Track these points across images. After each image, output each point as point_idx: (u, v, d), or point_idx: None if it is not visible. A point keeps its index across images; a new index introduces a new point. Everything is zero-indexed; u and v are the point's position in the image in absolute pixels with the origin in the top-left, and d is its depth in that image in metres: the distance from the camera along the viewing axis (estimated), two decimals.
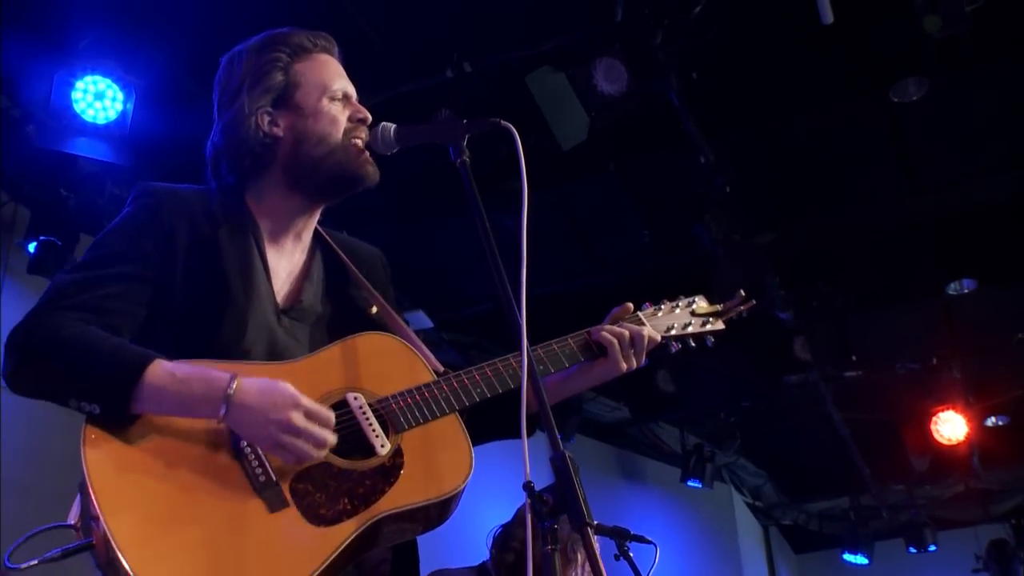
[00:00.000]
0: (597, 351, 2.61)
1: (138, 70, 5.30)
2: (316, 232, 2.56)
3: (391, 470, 2.18)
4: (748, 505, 12.22)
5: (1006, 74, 6.11)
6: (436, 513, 2.22)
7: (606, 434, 10.42)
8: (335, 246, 2.58)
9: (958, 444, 9.69)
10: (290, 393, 2.08)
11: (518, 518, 4.12)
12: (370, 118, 2.48)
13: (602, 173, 6.75)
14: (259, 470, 2.08)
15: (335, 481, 2.11)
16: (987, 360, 9.13)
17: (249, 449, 2.10)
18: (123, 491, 2.00)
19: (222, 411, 2.06)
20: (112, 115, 5.27)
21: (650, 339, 2.65)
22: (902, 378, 9.10)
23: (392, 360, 2.40)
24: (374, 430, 2.22)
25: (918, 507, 11.79)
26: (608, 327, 2.64)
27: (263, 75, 2.42)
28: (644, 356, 2.65)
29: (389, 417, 2.26)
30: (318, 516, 2.06)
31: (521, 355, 1.96)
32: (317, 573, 1.99)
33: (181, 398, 2.07)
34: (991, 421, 10.21)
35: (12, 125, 5.42)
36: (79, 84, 5.22)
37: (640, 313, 2.74)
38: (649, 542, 3.84)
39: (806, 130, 6.59)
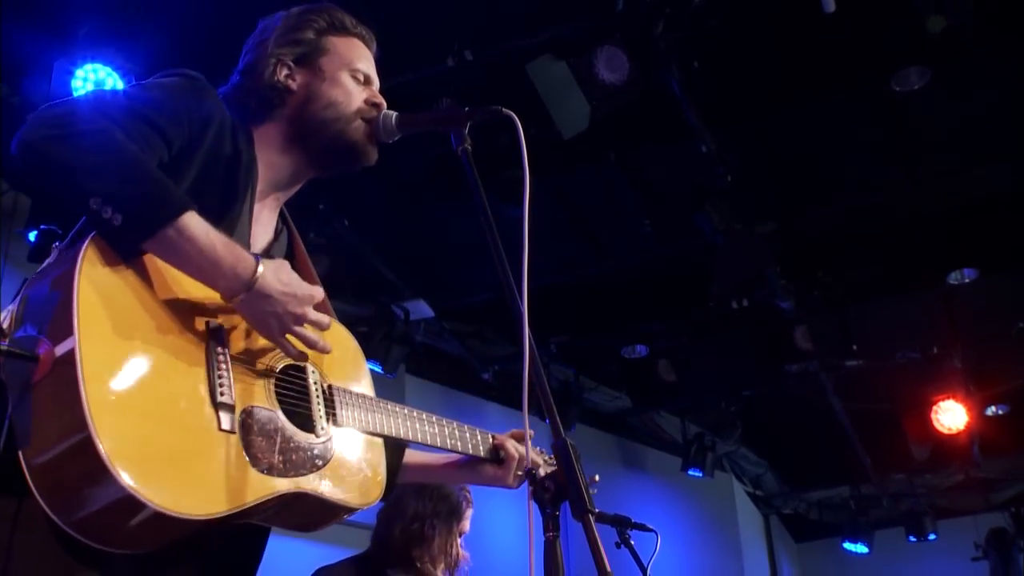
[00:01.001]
0: (493, 457, 2.76)
1: (138, 59, 5.29)
2: (282, 212, 2.53)
3: (322, 455, 2.18)
4: (749, 494, 12.25)
5: (1008, 64, 6.10)
6: (329, 516, 2.22)
7: (607, 423, 10.44)
8: (294, 230, 2.57)
9: (958, 433, 9.70)
10: (307, 286, 2.11)
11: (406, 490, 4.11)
12: (384, 107, 2.47)
13: (603, 162, 6.74)
14: (224, 386, 2.01)
15: (276, 436, 2.08)
16: (987, 349, 9.13)
17: (224, 364, 2.04)
18: (106, 327, 1.85)
19: (241, 291, 2.00)
20: None
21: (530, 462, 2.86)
22: (903, 367, 9.11)
23: (348, 357, 2.43)
24: (319, 409, 2.24)
25: (918, 496, 11.82)
26: (514, 443, 2.79)
27: (295, 30, 2.44)
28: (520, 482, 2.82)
29: (334, 406, 2.28)
30: (254, 458, 2.01)
31: (522, 344, 1.96)
32: (239, 511, 1.94)
33: (205, 257, 1.96)
34: (991, 410, 10.23)
35: (12, 113, 5.41)
36: (79, 72, 5.21)
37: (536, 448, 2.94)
38: (650, 530, 3.86)
39: (807, 119, 6.57)
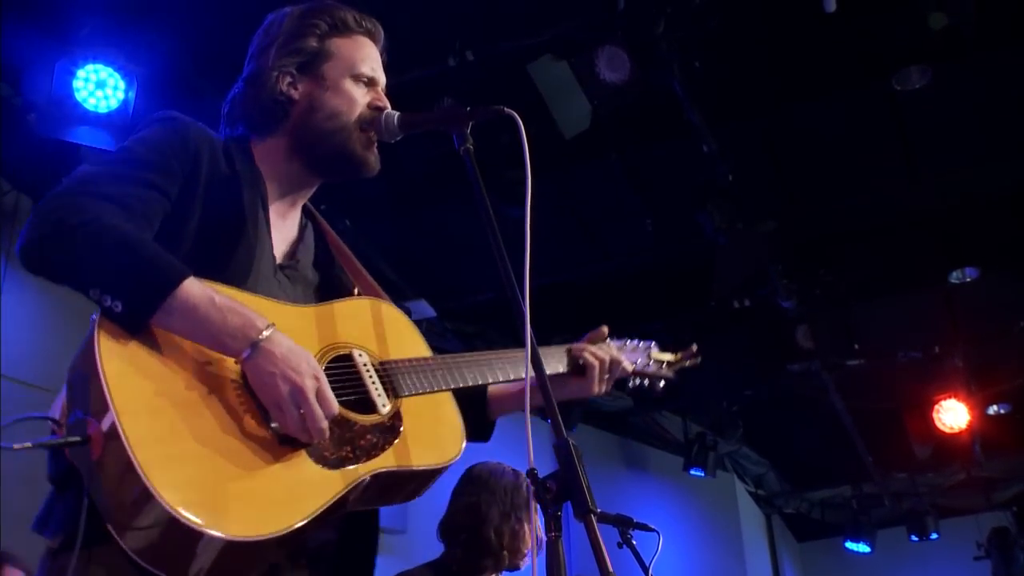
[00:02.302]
0: (574, 369, 2.72)
1: (140, 59, 5.30)
2: (307, 208, 2.55)
3: (390, 430, 2.19)
4: (751, 494, 12.25)
5: (1009, 63, 6.10)
6: (421, 482, 2.24)
7: (609, 423, 10.44)
8: (323, 222, 2.58)
9: (960, 432, 9.71)
10: (315, 364, 2.06)
11: (456, 507, 4.11)
12: (388, 108, 2.47)
13: (605, 162, 6.74)
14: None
15: (339, 428, 2.10)
16: (989, 348, 9.13)
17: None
18: (136, 390, 1.91)
19: (246, 353, 1.99)
20: (114, 104, 5.27)
21: (623, 369, 2.81)
22: (904, 366, 9.11)
23: (396, 329, 2.42)
24: (376, 388, 2.23)
25: (920, 495, 11.82)
26: (591, 348, 2.75)
27: (297, 37, 2.43)
28: (611, 384, 2.79)
29: (391, 380, 2.28)
30: (322, 458, 2.04)
31: (525, 343, 1.96)
32: (318, 512, 1.97)
33: (211, 324, 1.99)
34: (993, 409, 10.23)
35: (14, 114, 5.42)
36: (81, 73, 5.22)
37: (611, 343, 2.88)
38: (652, 530, 3.85)
39: (809, 118, 6.58)
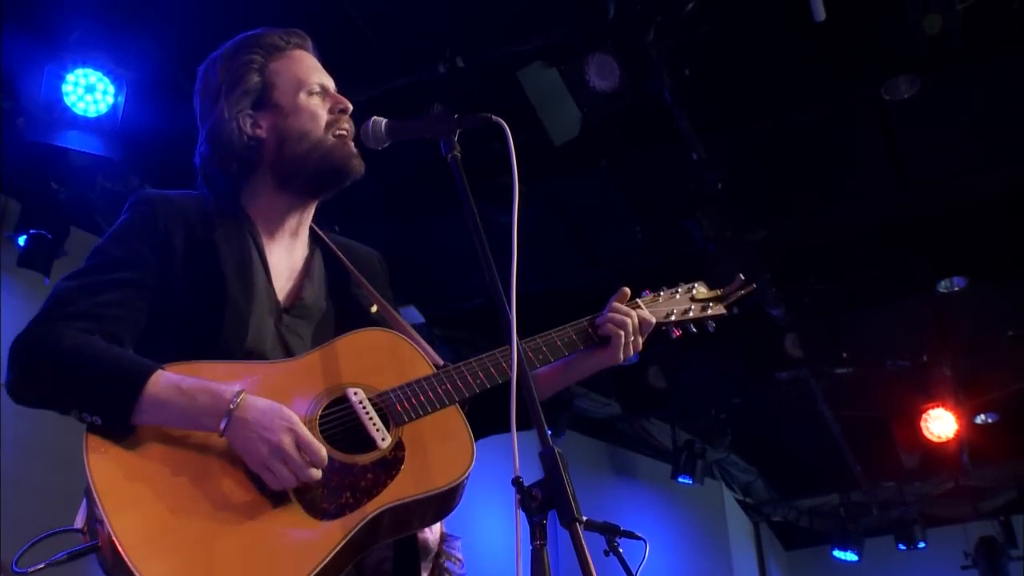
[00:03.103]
0: (597, 340, 2.64)
1: (129, 63, 5.28)
2: (313, 231, 2.56)
3: (392, 463, 2.18)
4: (739, 501, 12.24)
5: (997, 72, 6.13)
6: (439, 504, 2.22)
7: (597, 430, 10.43)
8: (332, 246, 2.58)
9: (948, 441, 9.71)
10: (287, 416, 2.09)
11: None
12: (351, 108, 2.48)
13: (594, 169, 6.75)
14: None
15: (337, 475, 2.11)
16: (977, 358, 9.15)
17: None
18: (126, 493, 2.03)
19: (223, 425, 2.07)
20: (103, 108, 5.26)
21: (646, 322, 2.67)
22: (893, 375, 9.12)
23: (391, 355, 2.41)
24: (374, 424, 2.22)
25: (908, 504, 11.82)
26: (611, 316, 2.64)
27: (239, 78, 2.43)
28: (641, 344, 2.67)
29: (389, 411, 2.26)
30: (321, 510, 2.05)
31: (511, 351, 1.96)
32: (321, 567, 1.98)
33: (184, 411, 2.09)
34: (981, 418, 10.24)
35: (3, 118, 5.40)
36: (70, 77, 5.20)
37: (639, 300, 2.76)
38: (639, 538, 3.85)
39: (798, 127, 6.59)
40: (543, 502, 1.81)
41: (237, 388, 2.10)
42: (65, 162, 5.73)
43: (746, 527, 12.56)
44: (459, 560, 4.23)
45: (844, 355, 8.66)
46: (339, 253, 2.56)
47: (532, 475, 1.84)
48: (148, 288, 2.27)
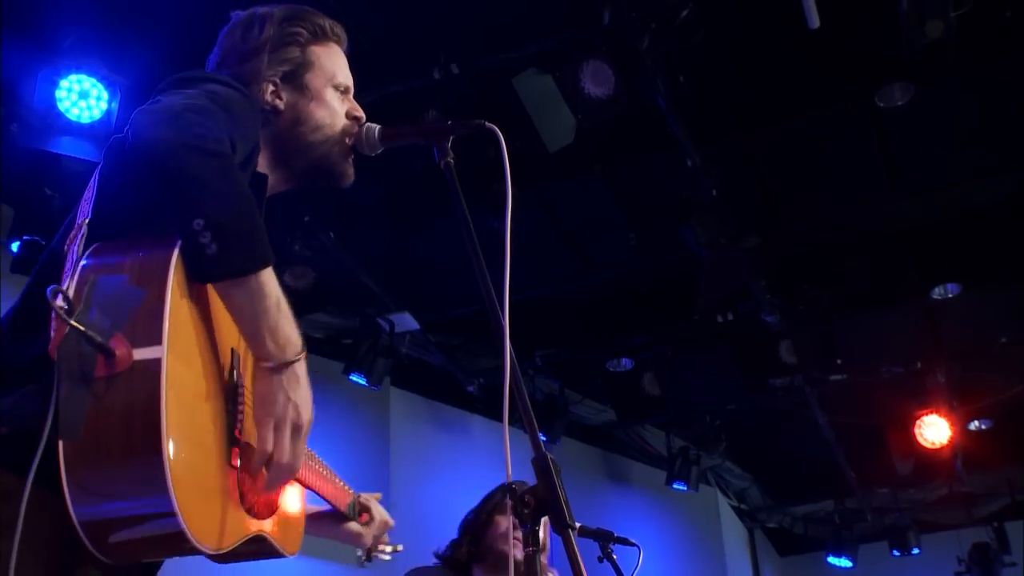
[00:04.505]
0: (357, 515, 2.96)
1: (123, 69, 5.28)
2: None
3: (280, 498, 2.25)
4: (733, 508, 12.25)
5: (991, 79, 6.14)
6: (262, 558, 2.26)
7: (592, 436, 10.43)
8: None
9: (942, 448, 9.73)
10: (312, 410, 2.04)
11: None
12: (364, 119, 2.48)
13: (589, 176, 6.75)
14: (241, 420, 2.00)
15: (253, 480, 2.07)
16: (971, 364, 9.17)
17: (242, 396, 2.02)
18: (186, 342, 1.83)
19: (272, 363, 1.92)
20: (96, 114, 5.25)
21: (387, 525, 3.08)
22: (887, 382, 9.13)
23: None
24: None
25: (902, 510, 11.84)
26: (377, 507, 3.02)
27: (284, 45, 2.39)
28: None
29: None
30: (243, 496, 2.02)
31: (503, 358, 1.96)
32: (230, 547, 1.95)
33: (267, 320, 1.90)
34: (975, 425, 10.26)
35: None
36: (63, 83, 5.20)
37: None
38: (633, 544, 3.85)
39: (792, 134, 6.61)
40: (536, 508, 1.81)
41: (304, 346, 1.98)
42: (59, 168, 5.72)
43: (741, 533, 12.57)
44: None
45: (838, 362, 8.67)
46: None
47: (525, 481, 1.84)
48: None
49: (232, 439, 1.97)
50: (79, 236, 1.96)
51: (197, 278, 1.86)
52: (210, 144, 1.84)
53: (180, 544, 1.76)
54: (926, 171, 6.93)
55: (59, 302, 1.69)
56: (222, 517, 1.90)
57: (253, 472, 2.02)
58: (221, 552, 1.91)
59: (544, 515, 1.80)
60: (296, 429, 1.95)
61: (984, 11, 5.37)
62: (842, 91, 6.20)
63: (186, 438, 1.77)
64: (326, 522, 2.90)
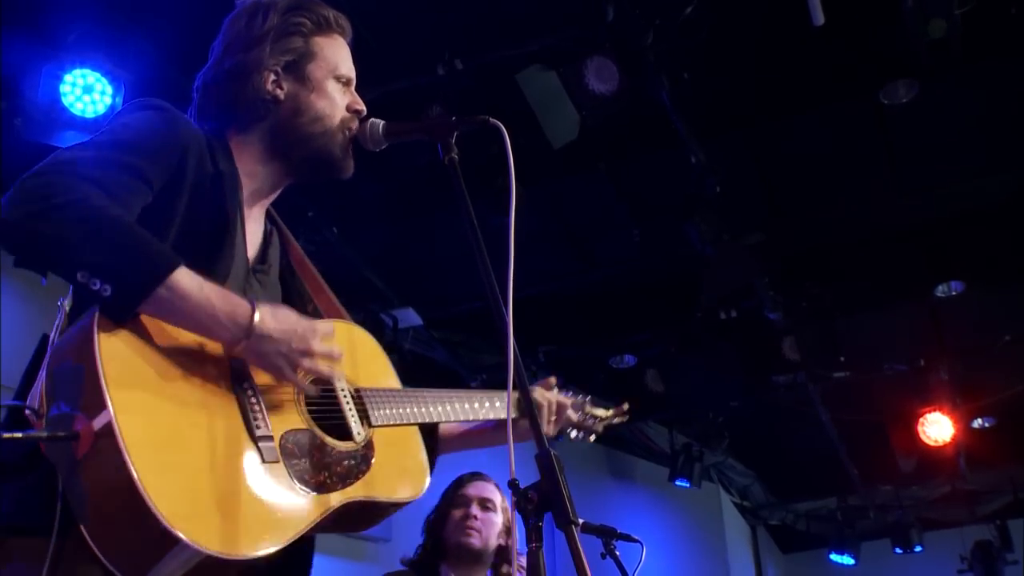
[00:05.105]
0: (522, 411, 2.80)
1: (127, 64, 5.28)
2: (270, 214, 2.53)
3: (363, 459, 2.21)
4: (736, 505, 12.25)
5: (996, 76, 6.13)
6: (381, 514, 2.26)
7: None
8: (287, 232, 2.56)
9: (945, 445, 9.72)
10: (306, 321, 2.09)
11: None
12: (364, 112, 2.47)
13: (592, 172, 6.75)
14: (258, 419, 2.03)
15: (318, 452, 2.11)
16: (974, 362, 9.16)
17: (253, 396, 2.05)
18: (133, 390, 1.86)
19: (243, 338, 1.98)
20: (101, 109, 5.25)
21: (567, 416, 2.96)
22: (890, 379, 9.13)
23: (369, 357, 2.47)
24: (353, 416, 2.26)
25: (904, 508, 11.84)
26: (540, 390, 2.88)
27: (286, 35, 2.39)
28: (557, 428, 2.94)
29: (364, 409, 2.30)
30: (303, 479, 2.04)
31: (507, 353, 1.96)
32: (299, 534, 1.99)
33: (202, 311, 1.94)
34: (978, 423, 10.25)
35: (0, 119, 5.40)
36: (67, 78, 5.20)
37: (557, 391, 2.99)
38: (636, 541, 3.85)
39: (796, 131, 6.59)
40: (539, 504, 1.81)
41: (250, 300, 2.02)
42: None
43: (743, 530, 12.57)
44: (521, 569, 4.32)
45: (842, 359, 8.67)
46: (294, 242, 2.56)
47: (528, 477, 1.84)
48: (151, 192, 2.07)
49: (255, 439, 2.00)
50: (59, 320, 2.06)
51: (118, 320, 1.90)
52: (57, 198, 1.87)
53: (223, 562, 1.84)
54: (930, 168, 6.92)
55: (29, 415, 1.89)
56: (270, 516, 1.95)
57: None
58: (288, 543, 1.95)
59: (547, 511, 1.80)
60: (304, 355, 2.04)
61: (989, 8, 5.36)
62: (846, 88, 6.18)
63: (176, 471, 1.83)
64: (487, 434, 2.84)
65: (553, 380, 2.96)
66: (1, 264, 5.95)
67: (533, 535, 1.80)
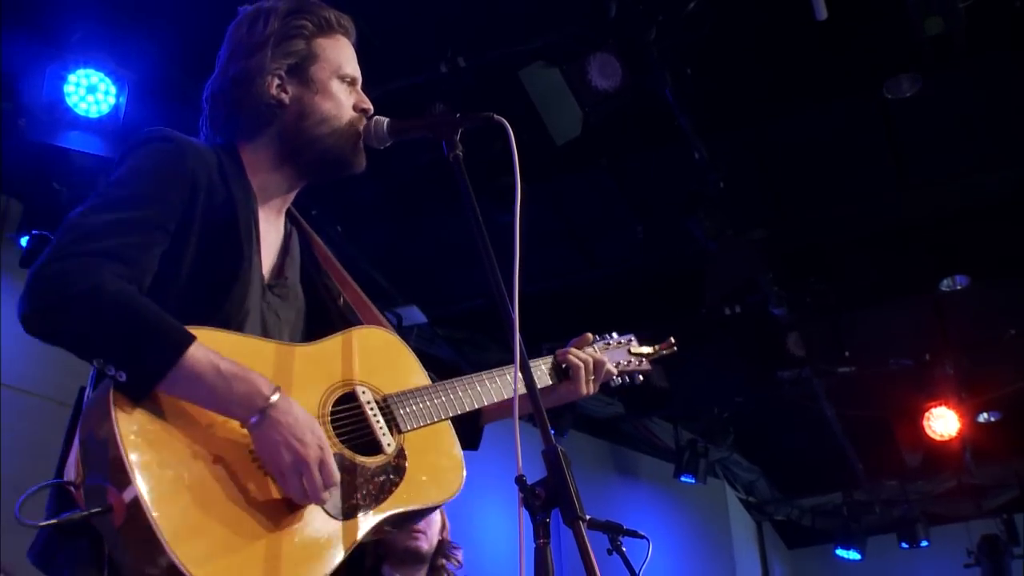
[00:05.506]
0: (561, 373, 2.78)
1: (131, 63, 5.29)
2: (291, 213, 2.53)
3: (396, 470, 2.21)
4: (741, 500, 12.24)
5: (999, 70, 6.12)
6: (423, 515, 2.29)
7: (600, 429, 10.42)
8: (309, 229, 2.57)
9: (950, 440, 9.70)
10: (319, 435, 2.05)
11: None
12: (371, 110, 2.47)
13: (596, 169, 6.75)
14: None
15: (348, 475, 2.12)
16: (979, 356, 9.14)
17: None
18: (155, 463, 1.91)
19: (254, 419, 2.00)
20: (105, 109, 5.26)
21: (607, 371, 2.88)
22: (895, 374, 9.11)
23: (394, 358, 2.45)
24: (380, 427, 2.25)
25: (910, 502, 11.81)
26: (575, 351, 2.81)
27: (288, 39, 2.40)
28: (597, 386, 2.86)
29: (393, 416, 2.29)
30: (335, 508, 2.07)
31: (513, 350, 1.96)
32: (341, 562, 2.02)
33: (217, 393, 1.99)
34: (983, 417, 10.23)
35: (4, 119, 5.40)
36: (71, 78, 5.21)
37: (595, 344, 2.93)
38: (642, 537, 3.85)
39: (800, 126, 6.59)
40: (546, 500, 1.81)
41: (272, 384, 2.03)
42: (67, 163, 5.73)
43: (749, 526, 12.56)
44: (459, 563, 4.29)
45: (846, 354, 8.66)
46: (316, 238, 2.57)
47: (535, 474, 1.84)
48: (168, 235, 2.12)
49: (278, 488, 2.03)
50: (92, 374, 2.10)
51: (133, 400, 1.95)
52: (72, 288, 1.94)
53: None
54: (934, 163, 6.91)
55: (69, 488, 1.97)
56: (308, 554, 1.99)
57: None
58: (332, 570, 2.00)
59: (554, 507, 1.80)
60: (301, 464, 2.00)
61: (992, 1, 5.35)
62: (850, 83, 6.18)
63: (206, 533, 1.89)
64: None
65: (590, 336, 2.91)
66: (2, 264, 5.96)
67: (540, 531, 1.80)
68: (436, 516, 4.23)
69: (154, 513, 1.84)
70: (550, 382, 2.74)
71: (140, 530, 1.84)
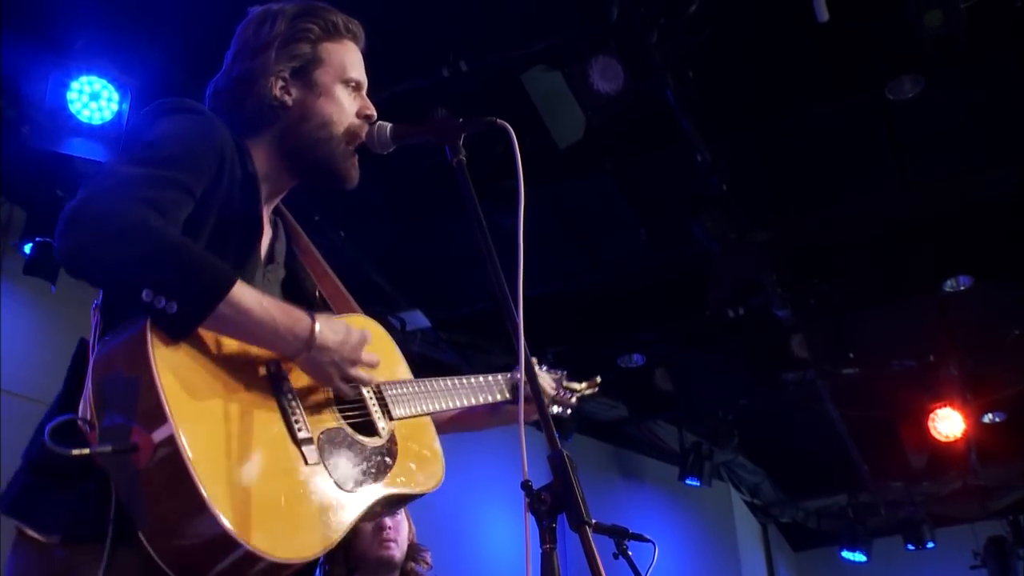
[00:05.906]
0: (510, 394, 2.84)
1: (134, 70, 5.29)
2: (277, 207, 2.56)
3: (389, 453, 2.27)
4: (746, 503, 12.23)
5: (1002, 71, 6.11)
6: (404, 504, 2.37)
7: (604, 432, 10.42)
8: (293, 221, 2.59)
9: (956, 441, 9.69)
10: (356, 332, 2.19)
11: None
12: (375, 116, 2.48)
13: (598, 172, 6.75)
14: (299, 422, 2.09)
15: (351, 450, 2.18)
16: (984, 357, 9.13)
17: (294, 400, 2.12)
18: (191, 401, 1.92)
19: (303, 350, 2.08)
20: (108, 116, 5.26)
21: (548, 395, 2.97)
22: (899, 375, 9.11)
23: (384, 349, 2.50)
24: (376, 411, 2.32)
25: (916, 504, 11.80)
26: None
27: (293, 41, 2.41)
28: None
29: (385, 403, 2.37)
30: (342, 479, 2.11)
31: (518, 354, 1.96)
32: (344, 533, 2.05)
33: (263, 326, 2.02)
34: (988, 418, 10.22)
35: (7, 126, 5.41)
36: (74, 85, 5.21)
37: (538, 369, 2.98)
38: (648, 540, 3.85)
39: (802, 128, 6.59)
40: (552, 506, 1.81)
41: (310, 314, 2.11)
42: (70, 170, 5.74)
43: (754, 528, 12.55)
44: (428, 564, 4.29)
45: (850, 355, 8.65)
46: (300, 230, 2.59)
47: (541, 478, 1.84)
48: (194, 200, 2.11)
49: (298, 443, 2.06)
50: (95, 325, 2.08)
51: (178, 337, 1.94)
52: (107, 222, 1.90)
53: (282, 567, 1.91)
54: (937, 163, 6.90)
55: (83, 427, 1.91)
56: (318, 518, 2.02)
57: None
58: (332, 547, 2.02)
59: (560, 512, 1.79)
60: (353, 365, 2.15)
61: (994, 2, 5.35)
62: (852, 84, 6.18)
63: (235, 480, 1.90)
64: (481, 416, 2.85)
65: (534, 360, 2.96)
66: (2, 267, 5.97)
67: (547, 537, 1.79)
68: (404, 522, 4.23)
69: (189, 450, 1.82)
70: (499, 398, 2.79)
71: (169, 469, 1.82)
